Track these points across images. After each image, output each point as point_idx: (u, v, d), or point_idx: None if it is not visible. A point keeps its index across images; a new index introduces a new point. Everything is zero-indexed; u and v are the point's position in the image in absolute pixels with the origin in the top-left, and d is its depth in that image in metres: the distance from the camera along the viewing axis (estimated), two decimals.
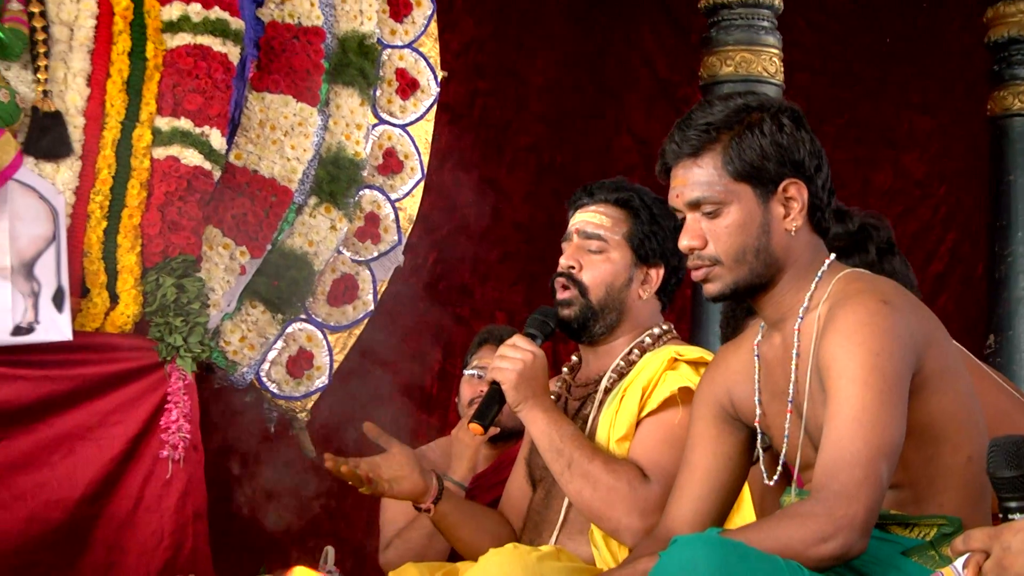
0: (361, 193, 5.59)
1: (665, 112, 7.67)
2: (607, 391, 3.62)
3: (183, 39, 5.12)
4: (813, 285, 2.90)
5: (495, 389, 3.51)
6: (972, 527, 2.44)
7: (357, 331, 5.60)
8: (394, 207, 5.66)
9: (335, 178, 5.45)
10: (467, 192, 7.32)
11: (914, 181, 8.30)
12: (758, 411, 2.99)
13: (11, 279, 4.73)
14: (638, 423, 3.50)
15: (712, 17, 6.78)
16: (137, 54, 5.14)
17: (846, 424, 2.67)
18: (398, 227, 5.66)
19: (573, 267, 3.63)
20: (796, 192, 2.89)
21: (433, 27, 5.83)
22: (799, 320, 2.89)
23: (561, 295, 3.63)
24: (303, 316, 5.46)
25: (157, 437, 4.79)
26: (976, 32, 7.68)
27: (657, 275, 3.66)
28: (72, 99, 5.06)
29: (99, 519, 4.73)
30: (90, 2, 5.14)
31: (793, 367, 2.89)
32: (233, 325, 5.28)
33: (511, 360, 3.49)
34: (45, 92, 5.03)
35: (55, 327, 4.75)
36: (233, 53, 5.18)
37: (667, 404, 3.46)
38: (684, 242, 2.92)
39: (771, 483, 3.01)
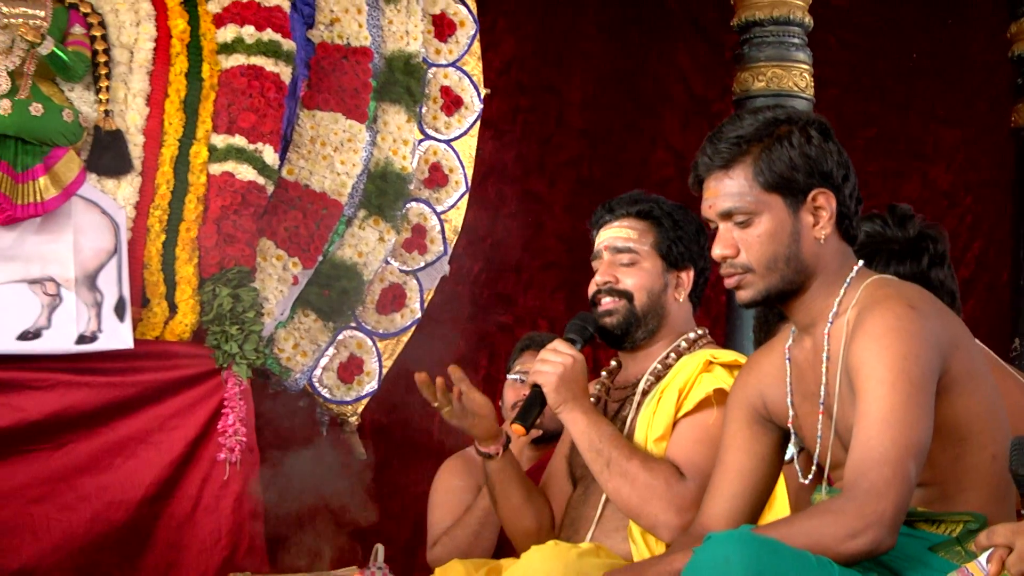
0: (408, 206, 5.60)
1: (699, 126, 7.65)
2: (645, 393, 3.61)
3: (237, 60, 5.15)
4: (842, 291, 2.89)
5: (537, 392, 3.50)
6: (997, 523, 2.42)
7: (405, 338, 5.60)
8: (440, 219, 5.66)
9: (383, 191, 5.46)
10: (510, 204, 7.32)
11: (941, 191, 8.25)
12: (791, 412, 2.98)
13: (75, 290, 4.76)
14: (674, 424, 3.49)
15: (744, 34, 6.76)
16: (193, 75, 5.17)
17: (875, 424, 2.65)
18: (444, 238, 5.66)
19: (609, 281, 3.62)
20: (825, 201, 2.88)
21: (476, 46, 5.84)
22: (829, 324, 2.87)
23: (604, 307, 3.63)
24: (353, 324, 5.47)
25: (214, 440, 4.81)
26: (1000, 47, 7.64)
27: (688, 277, 3.66)
28: (132, 118, 5.09)
29: (159, 519, 4.75)
30: (149, 26, 5.18)
31: (823, 370, 2.87)
32: (286, 333, 5.30)
33: (552, 364, 3.49)
34: (107, 112, 5.06)
35: (117, 336, 4.77)
36: (285, 73, 5.20)
37: (702, 405, 3.45)
38: (717, 251, 2.91)
39: (806, 482, 3.00)
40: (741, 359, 3.49)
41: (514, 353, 4.88)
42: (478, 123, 5.80)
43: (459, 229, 5.74)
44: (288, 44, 5.22)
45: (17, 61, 4.90)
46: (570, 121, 7.67)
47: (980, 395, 2.81)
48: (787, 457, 3.15)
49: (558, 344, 3.53)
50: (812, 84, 6.69)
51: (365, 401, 5.47)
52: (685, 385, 3.49)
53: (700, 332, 3.69)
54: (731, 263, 2.90)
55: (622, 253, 3.62)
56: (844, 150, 2.92)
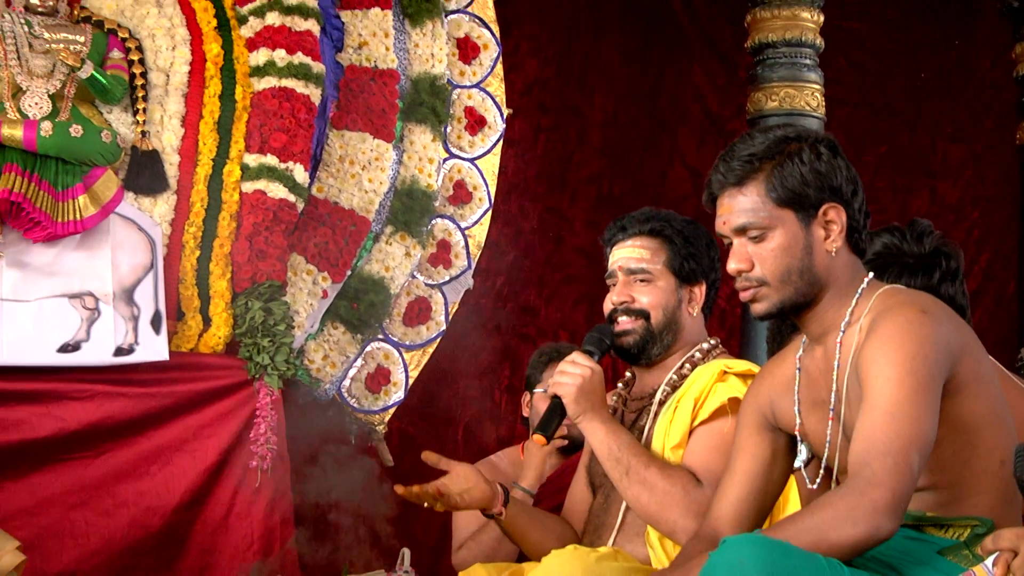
0: (433, 222, 5.59)
1: (716, 144, 7.62)
2: (661, 403, 3.60)
3: (269, 82, 5.15)
4: (854, 301, 2.88)
5: (556, 403, 3.49)
6: (1003, 527, 2.41)
7: (430, 349, 5.59)
8: (464, 235, 5.66)
9: (409, 208, 5.46)
10: (532, 220, 7.32)
11: (949, 206, 8.22)
12: (797, 421, 2.97)
13: (113, 304, 4.76)
14: (691, 432, 3.48)
15: (758, 56, 6.76)
16: (227, 96, 5.17)
17: (880, 417, 2.64)
18: (468, 253, 5.65)
19: (626, 301, 3.61)
20: (835, 215, 2.87)
21: (499, 68, 5.83)
22: (841, 334, 2.86)
23: (622, 327, 3.61)
24: (380, 336, 5.46)
25: (247, 449, 4.80)
26: (1005, 67, 7.62)
27: (700, 292, 3.65)
28: (168, 139, 5.09)
29: (194, 525, 4.74)
30: (184, 50, 5.19)
31: (834, 377, 2.86)
32: (316, 345, 5.29)
33: (571, 375, 3.47)
34: (143, 132, 5.07)
35: (153, 348, 4.77)
36: (315, 94, 5.20)
37: (718, 414, 3.44)
38: (732, 265, 2.90)
39: (813, 487, 2.99)
40: (754, 369, 3.48)
41: (537, 366, 4.87)
42: (501, 142, 5.79)
43: (483, 244, 5.73)
44: (318, 67, 5.22)
45: (58, 84, 4.92)
46: (590, 139, 7.67)
47: (988, 400, 2.80)
48: (797, 464, 3.13)
49: (577, 356, 3.52)
50: (823, 103, 6.69)
51: (392, 410, 5.47)
52: (700, 394, 3.48)
53: (713, 342, 3.68)
54: (746, 277, 2.89)
55: (636, 274, 3.61)
56: (852, 166, 2.91)
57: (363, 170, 5.38)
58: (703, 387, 3.49)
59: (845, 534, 2.57)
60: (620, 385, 3.81)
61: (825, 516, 2.60)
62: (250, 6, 5.26)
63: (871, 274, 2.94)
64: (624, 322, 3.60)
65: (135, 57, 5.12)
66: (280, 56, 5.16)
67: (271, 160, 5.08)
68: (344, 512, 4.94)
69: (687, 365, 3.61)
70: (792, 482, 3.43)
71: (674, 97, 7.84)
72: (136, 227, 4.92)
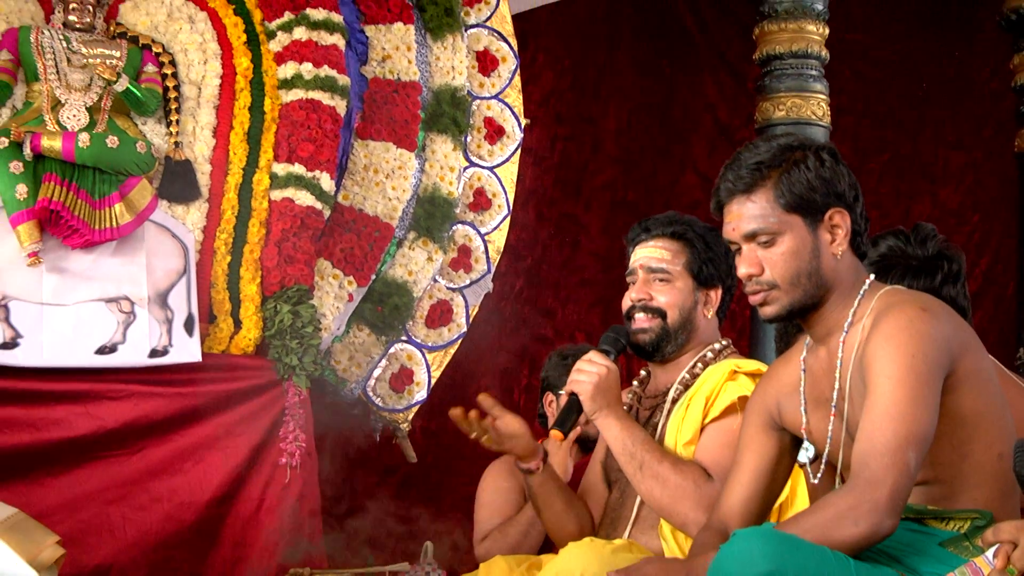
0: (454, 228, 5.59)
1: (726, 152, 7.53)
2: (674, 401, 3.59)
3: (296, 94, 5.16)
4: (856, 302, 2.87)
5: (573, 400, 3.48)
6: (1002, 520, 2.41)
7: (452, 350, 5.58)
8: (484, 240, 5.65)
9: (431, 215, 5.46)
10: (549, 226, 7.32)
11: (950, 211, 8.20)
12: (804, 419, 2.96)
13: (148, 308, 4.76)
14: (702, 429, 3.47)
15: (766, 67, 6.75)
16: (256, 108, 5.18)
17: (880, 417, 2.64)
18: (487, 258, 5.65)
19: (644, 299, 3.60)
20: (840, 220, 2.87)
21: (517, 80, 5.82)
22: (844, 333, 2.86)
23: (639, 324, 3.60)
24: (404, 337, 5.46)
25: (276, 446, 4.80)
26: (1004, 77, 7.59)
27: (716, 296, 3.64)
28: (200, 149, 5.10)
29: (226, 519, 4.74)
30: (216, 64, 5.20)
31: (837, 375, 2.86)
32: (342, 346, 5.29)
33: (587, 374, 3.47)
34: (176, 143, 5.08)
35: (186, 350, 4.77)
36: (340, 106, 5.21)
37: (728, 411, 3.44)
38: (743, 270, 2.89)
39: (815, 482, 2.99)
40: (763, 368, 3.48)
41: (553, 367, 4.86)
42: (519, 151, 5.78)
43: (502, 249, 5.72)
44: (343, 79, 5.22)
45: (95, 97, 4.93)
46: (605, 148, 7.66)
47: (986, 395, 2.79)
48: (802, 460, 3.13)
49: (593, 355, 3.51)
50: (829, 113, 6.67)
51: (415, 409, 5.46)
52: (711, 393, 3.48)
53: (724, 343, 3.67)
54: (757, 281, 2.88)
55: (656, 273, 3.60)
56: (852, 172, 2.91)
57: (387, 178, 5.38)
58: (714, 386, 3.49)
59: (848, 533, 2.58)
60: (635, 383, 3.81)
61: (828, 515, 2.61)
62: (278, 21, 5.26)
63: (872, 276, 2.94)
64: (641, 320, 3.59)
65: (168, 71, 5.14)
66: (307, 69, 5.17)
67: (299, 169, 5.08)
68: (369, 506, 4.94)
69: (699, 364, 3.60)
70: (800, 477, 3.43)
71: (686, 107, 7.83)
72: (170, 234, 4.92)
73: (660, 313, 3.58)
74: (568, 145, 7.54)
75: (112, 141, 4.81)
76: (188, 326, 4.80)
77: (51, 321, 4.65)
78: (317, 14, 5.24)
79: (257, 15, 5.30)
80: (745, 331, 6.82)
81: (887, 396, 2.65)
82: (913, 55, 8.16)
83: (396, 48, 5.51)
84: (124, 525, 4.59)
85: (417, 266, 5.42)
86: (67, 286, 4.73)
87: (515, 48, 5.82)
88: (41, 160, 4.75)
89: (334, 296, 5.19)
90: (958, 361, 2.74)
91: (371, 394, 5.36)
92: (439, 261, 5.49)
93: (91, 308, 4.73)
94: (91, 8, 5.09)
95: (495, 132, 5.74)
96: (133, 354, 4.70)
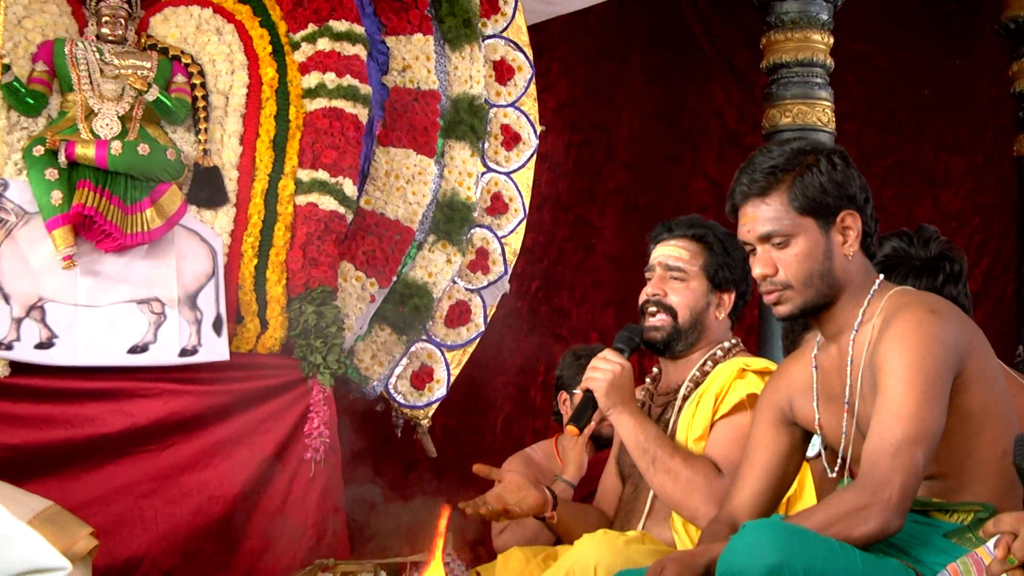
0: (472, 231, 5.58)
1: (734, 157, 7.62)
2: (685, 398, 3.60)
3: (320, 103, 5.16)
4: (866, 302, 2.88)
5: (588, 396, 3.49)
6: (1004, 512, 2.39)
7: (470, 349, 5.58)
8: (501, 243, 5.65)
9: (450, 219, 5.45)
10: (563, 229, 7.31)
11: (951, 214, 8.17)
12: (816, 415, 2.96)
13: (178, 309, 4.76)
14: (712, 425, 3.49)
15: (772, 75, 6.75)
16: (281, 116, 5.18)
17: (889, 418, 2.66)
18: (504, 260, 5.64)
19: (658, 294, 3.61)
20: (852, 222, 2.88)
21: (532, 89, 5.81)
22: (854, 332, 2.87)
23: (651, 321, 3.61)
24: (424, 337, 5.46)
25: (301, 442, 4.81)
26: (1003, 84, 7.58)
27: (729, 299, 3.65)
28: (228, 156, 5.10)
29: (253, 512, 4.74)
30: (243, 74, 5.20)
31: (848, 373, 2.86)
32: (365, 345, 5.29)
33: (602, 371, 3.48)
34: (205, 151, 5.08)
35: (215, 349, 4.78)
36: (362, 114, 5.21)
37: (737, 408, 3.45)
38: (758, 271, 2.90)
39: (833, 475, 2.99)
40: (771, 366, 3.48)
41: (567, 367, 4.86)
42: (535, 157, 5.78)
43: (518, 251, 5.72)
44: (365, 88, 5.23)
45: (127, 107, 4.94)
46: (618, 154, 7.65)
47: (992, 394, 2.80)
48: (811, 454, 3.13)
49: (608, 353, 3.52)
50: (834, 119, 6.67)
51: (435, 405, 5.46)
52: (721, 390, 3.49)
53: (734, 342, 3.68)
54: (771, 281, 2.89)
55: (673, 271, 3.62)
56: (862, 175, 2.91)
57: (407, 184, 5.38)
58: (723, 383, 3.50)
59: (858, 531, 2.61)
60: (648, 380, 3.81)
61: (839, 513, 2.63)
62: (302, 33, 5.27)
63: (882, 276, 2.94)
64: (653, 314, 3.60)
65: (197, 81, 5.14)
66: (330, 79, 5.17)
67: (322, 175, 5.08)
68: (391, 499, 4.95)
69: (709, 362, 3.61)
70: (806, 470, 3.42)
71: (695, 114, 7.82)
72: (199, 238, 4.93)
73: (671, 312, 3.59)
74: (582, 151, 7.54)
75: (143, 149, 4.82)
76: (216, 326, 4.80)
77: (85, 322, 4.66)
78: (340, 26, 5.24)
79: (282, 27, 5.31)
80: (753, 330, 6.81)
81: (897, 397, 2.66)
82: (915, 63, 8.14)
83: (416, 58, 5.51)
84: (155, 518, 4.59)
85: (437, 268, 5.42)
86: (100, 288, 4.73)
87: (531, 58, 5.82)
88: (75, 167, 4.75)
89: (357, 297, 5.20)
90: (966, 361, 2.74)
91: (393, 391, 5.36)
92: (458, 263, 5.49)
93: (123, 309, 4.73)
94: (123, 21, 5.10)
95: (511, 139, 5.73)
96: (164, 353, 4.71)
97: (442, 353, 5.48)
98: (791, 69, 6.67)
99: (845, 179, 2.88)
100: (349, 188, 5.12)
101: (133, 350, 4.68)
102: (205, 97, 5.15)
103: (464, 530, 4.55)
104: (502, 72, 5.77)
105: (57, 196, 4.68)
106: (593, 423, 3.75)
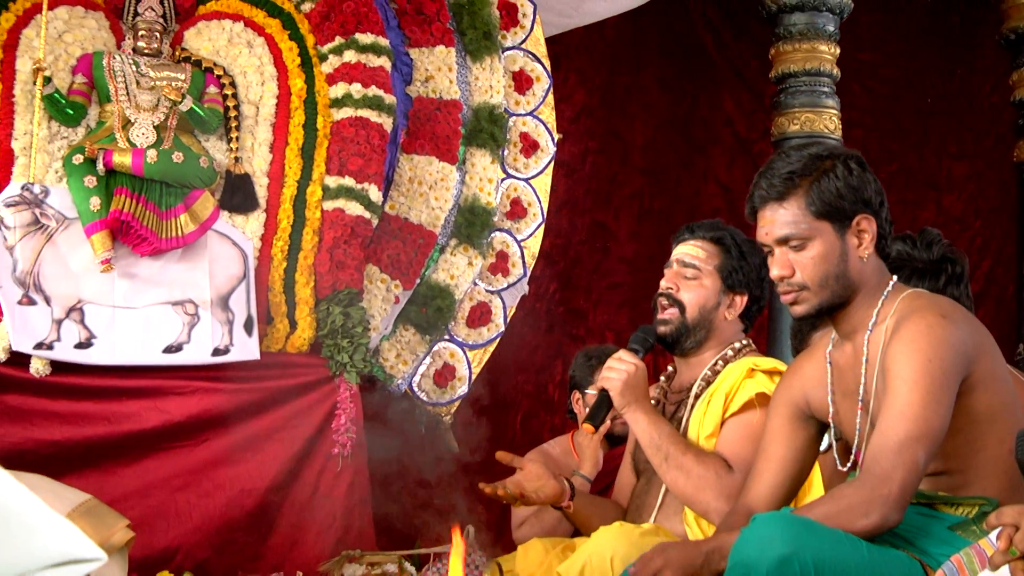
0: (493, 235, 5.58)
1: (744, 164, 7.61)
2: (697, 396, 3.59)
3: (347, 112, 5.17)
4: (880, 303, 2.87)
5: (604, 395, 3.48)
6: (1007, 506, 2.39)
7: (491, 348, 5.58)
8: (520, 246, 5.64)
9: (471, 223, 5.45)
10: (580, 233, 7.30)
11: (953, 217, 8.14)
12: (831, 409, 2.96)
13: (211, 310, 4.77)
14: (723, 423, 3.47)
15: (781, 84, 6.73)
16: (310, 125, 5.19)
17: (893, 416, 2.66)
18: (523, 263, 5.64)
19: (671, 288, 3.62)
20: (867, 225, 2.87)
21: (550, 98, 5.81)
22: (868, 332, 2.86)
23: (662, 315, 3.61)
24: (447, 337, 5.46)
25: (329, 438, 4.81)
26: (1004, 92, 7.55)
27: (741, 301, 3.63)
28: (258, 163, 5.11)
29: (283, 505, 4.74)
30: (272, 85, 5.21)
31: (863, 371, 2.86)
32: (390, 345, 5.29)
33: (617, 371, 3.47)
34: (236, 158, 5.09)
35: (246, 349, 4.79)
36: (387, 123, 5.21)
37: (747, 407, 3.44)
38: (775, 272, 2.89)
39: (844, 469, 2.99)
40: (780, 366, 3.48)
41: (581, 368, 4.85)
42: (552, 163, 5.77)
43: (536, 255, 5.71)
44: (390, 98, 5.23)
45: (162, 117, 4.96)
46: (632, 161, 7.64)
47: (1000, 395, 2.80)
48: (823, 447, 3.13)
49: (623, 353, 3.52)
50: (840, 126, 6.65)
51: (457, 403, 5.46)
52: (731, 389, 3.48)
53: (745, 343, 3.67)
54: (788, 282, 2.89)
55: (688, 268, 3.62)
56: (878, 179, 2.90)
57: (430, 189, 5.38)
58: (733, 382, 3.49)
59: (859, 524, 2.60)
60: (662, 379, 3.81)
61: (841, 506, 2.63)
62: (330, 45, 5.27)
63: (895, 277, 2.93)
64: (665, 313, 3.60)
65: (229, 92, 5.15)
66: (356, 89, 5.17)
67: (349, 181, 5.09)
68: (415, 493, 4.94)
69: (720, 362, 3.60)
70: (815, 465, 3.41)
71: (706, 122, 7.81)
72: (231, 242, 4.94)
73: (680, 306, 3.59)
74: (598, 158, 7.53)
75: (177, 157, 4.83)
76: (248, 327, 4.81)
77: (122, 323, 4.68)
78: (365, 38, 5.24)
79: (310, 40, 5.31)
80: (763, 330, 6.79)
81: (902, 397, 2.66)
82: (918, 72, 8.11)
83: (438, 69, 5.51)
84: (189, 510, 4.60)
85: (458, 271, 5.42)
86: (137, 290, 4.75)
87: (548, 68, 5.81)
88: (113, 175, 4.78)
89: (382, 299, 5.20)
90: (974, 364, 2.74)
91: (416, 389, 5.36)
92: (479, 266, 5.49)
93: (159, 311, 4.75)
94: (158, 35, 5.12)
95: (530, 146, 5.73)
96: (197, 353, 4.72)
97: (464, 352, 5.48)
98: (799, 78, 6.66)
99: (861, 184, 2.87)
100: (374, 194, 5.12)
101: (168, 350, 4.70)
102: (236, 107, 5.16)
103: (486, 523, 4.56)
104: (521, 82, 5.77)
105: (95, 202, 4.70)
106: (608, 421, 3.74)
